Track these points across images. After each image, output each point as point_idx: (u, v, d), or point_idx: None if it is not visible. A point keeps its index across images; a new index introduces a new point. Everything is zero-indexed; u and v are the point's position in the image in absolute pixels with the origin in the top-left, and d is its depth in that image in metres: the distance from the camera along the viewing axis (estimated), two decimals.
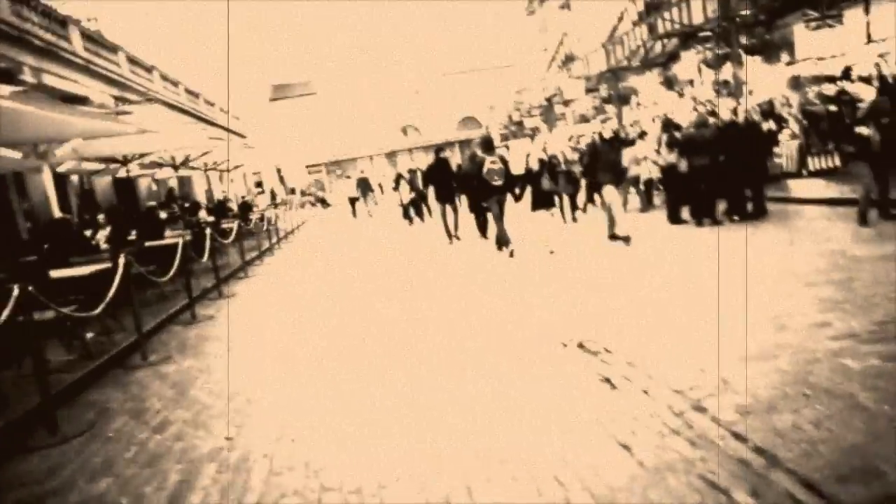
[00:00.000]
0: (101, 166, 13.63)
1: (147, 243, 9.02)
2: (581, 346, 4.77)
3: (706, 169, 9.43)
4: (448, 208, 12.24)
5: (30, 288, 4.35)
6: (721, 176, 9.37)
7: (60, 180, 15.63)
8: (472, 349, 5.10)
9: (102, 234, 10.00)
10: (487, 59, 52.68)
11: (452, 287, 7.90)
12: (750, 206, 9.67)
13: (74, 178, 16.80)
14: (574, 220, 12.22)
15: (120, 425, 4.49)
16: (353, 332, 6.33)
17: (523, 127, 35.84)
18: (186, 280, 8.06)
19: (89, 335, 6.87)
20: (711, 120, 10.44)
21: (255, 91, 47.39)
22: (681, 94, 21.09)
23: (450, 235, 12.14)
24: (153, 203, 13.84)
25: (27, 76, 13.89)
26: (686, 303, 5.54)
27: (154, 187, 21.74)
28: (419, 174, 16.62)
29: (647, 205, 13.15)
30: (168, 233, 11.42)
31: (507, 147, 26.79)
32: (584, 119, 30.72)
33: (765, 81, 15.48)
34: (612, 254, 8.42)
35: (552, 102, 30.15)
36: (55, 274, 6.20)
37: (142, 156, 12.38)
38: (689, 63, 19.60)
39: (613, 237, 9.04)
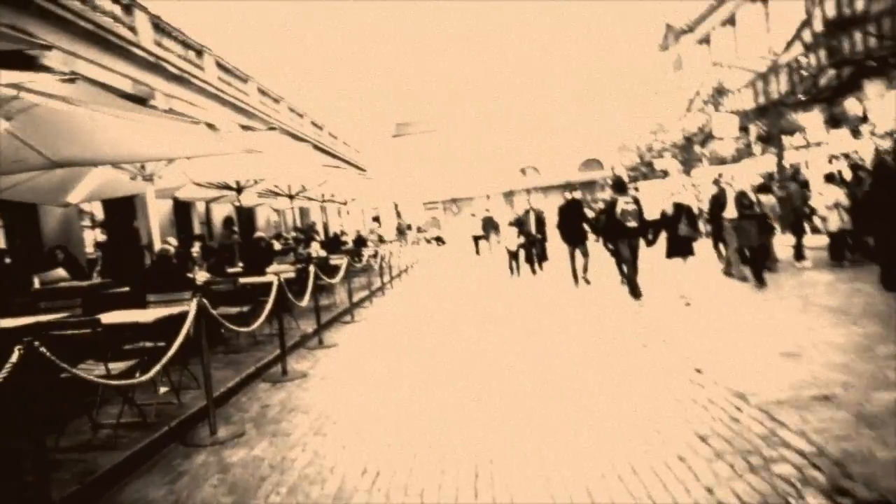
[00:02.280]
0: (219, 193, 13.23)
1: (243, 280, 7.98)
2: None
3: None
4: (577, 252, 11.71)
5: (37, 345, 3.11)
6: None
7: (183, 207, 15.60)
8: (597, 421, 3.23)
9: (199, 270, 9.17)
10: (613, 100, 50.39)
11: (577, 339, 6.65)
12: None
13: (200, 205, 16.77)
14: (761, 283, 9.22)
15: None
16: (468, 411, 4.66)
17: (653, 169, 33.04)
18: (280, 328, 6.83)
19: (163, 390, 5.76)
20: None
21: (378, 127, 48.48)
22: (855, 133, 17.96)
23: (576, 278, 11.74)
24: (261, 234, 13.16)
25: (159, 102, 13.96)
26: None
27: (274, 218, 21.75)
28: (531, 215, 14.26)
29: (837, 261, 10.61)
30: (275, 267, 10.54)
31: (637, 189, 24.39)
32: (721, 161, 27.33)
33: None
34: (802, 324, 6.12)
35: (692, 142, 27.35)
36: (118, 319, 5.09)
37: (255, 182, 11.71)
38: (873, 94, 16.42)
39: None
